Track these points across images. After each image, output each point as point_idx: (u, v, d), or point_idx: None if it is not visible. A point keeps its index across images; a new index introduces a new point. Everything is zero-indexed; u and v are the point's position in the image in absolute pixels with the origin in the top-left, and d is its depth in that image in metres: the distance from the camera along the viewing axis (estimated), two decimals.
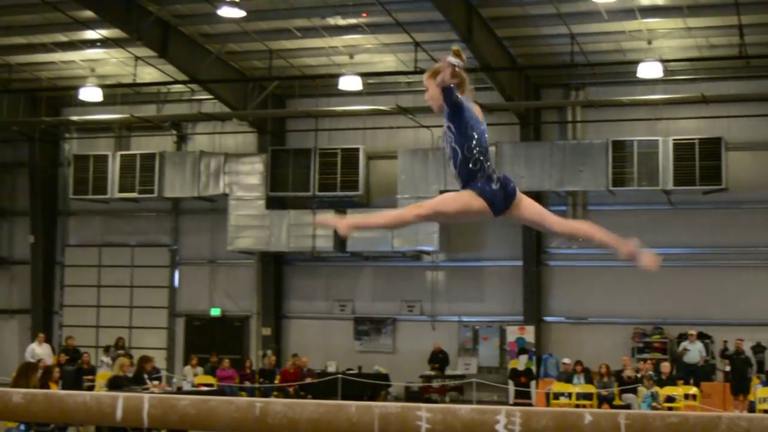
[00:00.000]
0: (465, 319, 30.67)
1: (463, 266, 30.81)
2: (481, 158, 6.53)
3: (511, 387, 28.59)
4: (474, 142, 6.53)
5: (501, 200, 6.51)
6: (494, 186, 6.49)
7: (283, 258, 32.34)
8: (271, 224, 30.53)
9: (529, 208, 6.63)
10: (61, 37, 28.85)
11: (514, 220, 6.68)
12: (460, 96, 6.53)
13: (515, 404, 26.31)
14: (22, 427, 5.35)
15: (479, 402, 27.29)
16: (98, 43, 29.00)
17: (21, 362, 21.45)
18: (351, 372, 29.06)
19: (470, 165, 6.50)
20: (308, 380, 28.49)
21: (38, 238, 34.26)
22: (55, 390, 14.16)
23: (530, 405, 26.32)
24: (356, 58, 29.22)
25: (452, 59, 6.47)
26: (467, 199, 6.47)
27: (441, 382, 29.19)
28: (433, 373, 29.42)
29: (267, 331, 31.95)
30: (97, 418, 6.19)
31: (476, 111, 6.68)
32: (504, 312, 30.22)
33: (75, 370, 25.64)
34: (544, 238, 30.14)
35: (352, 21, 26.83)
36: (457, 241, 30.16)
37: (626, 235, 6.64)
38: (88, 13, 26.36)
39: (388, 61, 29.58)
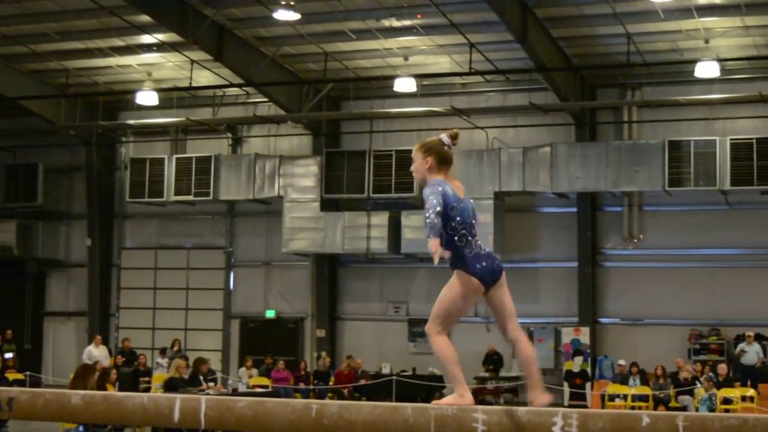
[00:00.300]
0: (520, 320, 30.35)
1: (517, 267, 30.61)
2: (467, 234, 6.58)
3: (566, 389, 28.45)
4: (456, 220, 6.58)
5: (489, 278, 6.62)
6: (484, 263, 6.59)
7: (337, 260, 32.40)
8: (325, 226, 30.58)
9: (505, 295, 6.81)
10: (118, 42, 29.08)
11: (484, 300, 6.69)
12: (438, 180, 6.70)
13: (570, 406, 26.19)
14: (81, 428, 5.40)
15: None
16: (154, 48, 29.22)
17: (78, 364, 21.64)
18: (405, 374, 29.04)
19: (456, 241, 6.53)
20: (362, 382, 28.51)
21: (95, 241, 34.55)
22: (113, 392, 14.26)
23: (585, 407, 26.17)
24: (411, 59, 29.21)
25: (444, 137, 6.85)
26: (465, 288, 6.49)
27: (495, 384, 29.11)
28: (487, 374, 29.36)
29: (321, 333, 32.01)
30: (154, 419, 6.22)
31: (457, 188, 6.74)
32: (559, 313, 30.08)
33: (131, 372, 25.80)
34: (599, 238, 29.99)
35: (407, 22, 26.83)
36: (512, 242, 30.02)
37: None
38: (145, 18, 26.57)
39: (442, 63, 29.54)
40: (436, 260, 6.25)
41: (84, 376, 15.30)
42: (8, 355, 29.39)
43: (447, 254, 6.39)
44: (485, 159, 29.35)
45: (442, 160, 6.82)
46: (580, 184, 28.47)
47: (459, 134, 6.90)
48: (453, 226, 6.55)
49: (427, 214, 6.35)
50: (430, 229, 6.35)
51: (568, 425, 5.43)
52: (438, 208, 6.41)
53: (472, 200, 6.85)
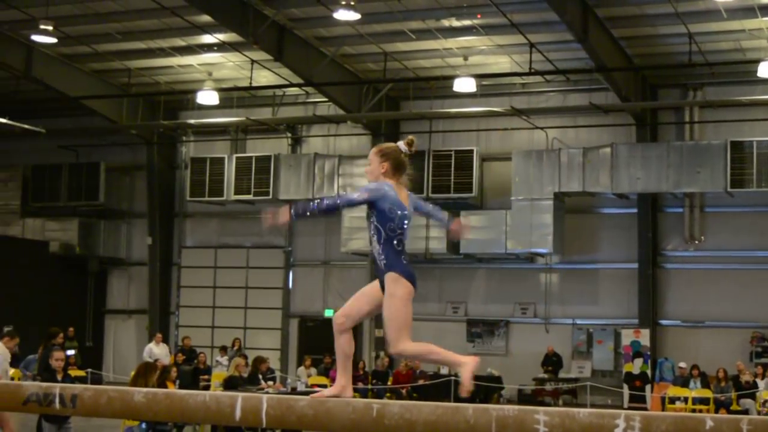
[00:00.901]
0: (579, 321, 30.41)
1: (577, 268, 30.54)
2: (403, 240, 6.75)
3: (626, 391, 28.29)
4: (397, 223, 6.73)
5: (414, 284, 6.77)
6: (411, 269, 6.78)
7: None
8: None
9: None
10: (179, 42, 29.29)
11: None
12: (386, 183, 6.86)
13: (630, 408, 26.01)
14: (144, 425, 5.45)
15: (593, 406, 27.03)
16: (215, 47, 29.40)
17: (139, 362, 21.79)
18: None
19: (395, 244, 6.70)
20: (421, 382, 28.49)
21: (156, 239, 34.83)
22: (175, 389, 14.34)
23: (645, 409, 25.98)
24: (470, 59, 29.15)
25: (402, 145, 7.06)
26: (407, 293, 6.66)
27: (554, 386, 28.99)
28: (546, 376, 29.24)
29: (380, 333, 31.99)
30: (216, 417, 6.26)
31: (403, 197, 6.86)
32: (619, 315, 29.89)
33: (192, 370, 25.96)
34: (660, 240, 29.76)
35: (467, 22, 26.78)
36: (572, 244, 29.89)
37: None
38: (206, 18, 26.73)
39: (502, 63, 29.46)
40: (275, 222, 6.59)
41: (145, 374, 15.38)
42: (70, 353, 29.64)
43: (283, 222, 6.66)
44: (545, 159, 29.23)
45: (397, 166, 6.98)
46: (641, 185, 28.26)
47: (415, 142, 7.08)
48: (392, 228, 6.72)
49: (345, 192, 6.69)
50: (319, 202, 6.68)
51: (630, 427, 5.39)
52: (356, 197, 6.70)
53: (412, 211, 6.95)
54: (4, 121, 30.96)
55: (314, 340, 32.58)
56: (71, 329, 30.02)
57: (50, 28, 26.70)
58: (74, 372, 28.14)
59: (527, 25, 25.88)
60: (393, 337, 6.61)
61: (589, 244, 30.34)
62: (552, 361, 29.46)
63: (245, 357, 23.20)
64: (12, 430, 13.81)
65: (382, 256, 6.73)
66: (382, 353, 30.57)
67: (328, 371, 28.58)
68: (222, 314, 34.12)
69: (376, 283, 6.86)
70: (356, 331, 30.10)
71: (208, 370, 27.52)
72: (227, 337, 31.20)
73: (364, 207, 6.77)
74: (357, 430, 5.89)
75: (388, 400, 7.40)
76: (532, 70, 27.24)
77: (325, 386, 25.93)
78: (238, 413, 6.05)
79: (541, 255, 30.14)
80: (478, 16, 26.26)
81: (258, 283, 33.91)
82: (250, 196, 32.22)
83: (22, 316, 22.58)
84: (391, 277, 6.63)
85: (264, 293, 33.89)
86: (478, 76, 28.79)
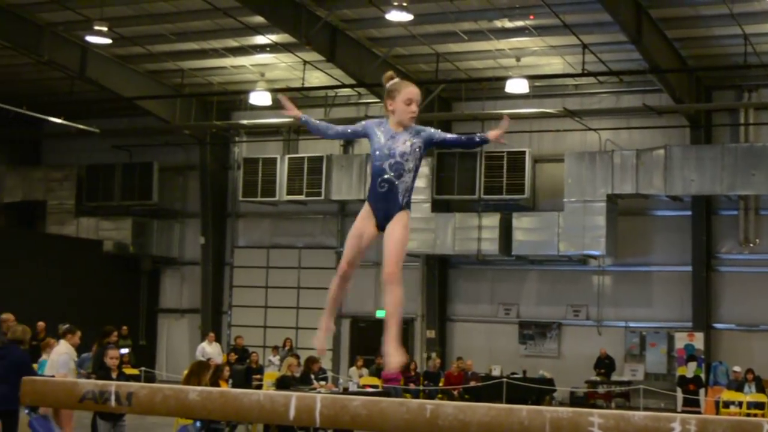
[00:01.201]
0: (632, 324, 30.23)
1: (630, 271, 30.37)
2: None
3: (680, 394, 28.07)
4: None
5: None
6: None
7: (448, 261, 32.38)
8: (436, 227, 30.59)
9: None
10: (232, 43, 29.43)
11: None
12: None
13: (683, 412, 25.82)
14: (198, 423, 5.49)
15: (646, 409, 26.85)
16: (268, 48, 29.52)
17: (191, 361, 21.90)
18: (515, 376, 28.91)
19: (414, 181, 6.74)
20: (472, 383, 28.44)
21: (208, 239, 35.02)
22: (229, 388, 14.40)
23: (698, 413, 25.77)
24: (523, 60, 29.07)
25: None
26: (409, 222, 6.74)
27: (607, 388, 28.82)
28: (598, 378, 29.08)
29: (431, 334, 32.02)
30: (270, 416, 6.26)
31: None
32: (672, 318, 29.68)
33: (244, 370, 26.06)
34: (714, 242, 29.52)
35: (519, 23, 26.70)
36: (625, 246, 29.73)
37: None
38: (259, 19, 26.84)
39: (555, 64, 29.35)
40: (288, 111, 6.67)
41: (198, 372, 15.46)
42: (124, 351, 29.86)
43: (292, 115, 6.74)
44: (598, 161, 29.08)
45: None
46: (695, 187, 28.04)
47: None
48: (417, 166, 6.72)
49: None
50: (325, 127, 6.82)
51: (686, 431, 5.34)
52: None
53: None
54: (59, 121, 31.26)
55: (366, 341, 32.61)
56: (125, 328, 30.24)
57: (105, 29, 26.92)
58: (128, 370, 28.37)
59: (580, 25, 25.77)
60: (395, 261, 6.58)
61: (642, 247, 30.15)
62: (604, 364, 29.30)
63: (297, 357, 23.24)
64: (71, 429, 13.95)
65: (408, 193, 6.68)
66: (434, 354, 30.56)
67: (380, 372, 28.60)
68: (274, 314, 34.24)
69: (366, 219, 6.72)
70: (407, 332, 30.12)
71: (260, 370, 27.60)
72: (279, 336, 31.29)
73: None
74: (410, 430, 5.88)
75: (442, 401, 7.39)
76: (585, 71, 27.13)
77: (376, 386, 25.99)
78: (292, 412, 6.05)
79: (594, 257, 30.00)
80: (531, 17, 26.17)
81: (310, 284, 33.97)
82: (302, 197, 32.31)
83: (76, 315, 22.73)
84: (406, 212, 6.63)
85: (316, 293, 33.84)
86: (531, 77, 28.71)
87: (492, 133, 7.11)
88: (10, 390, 12.80)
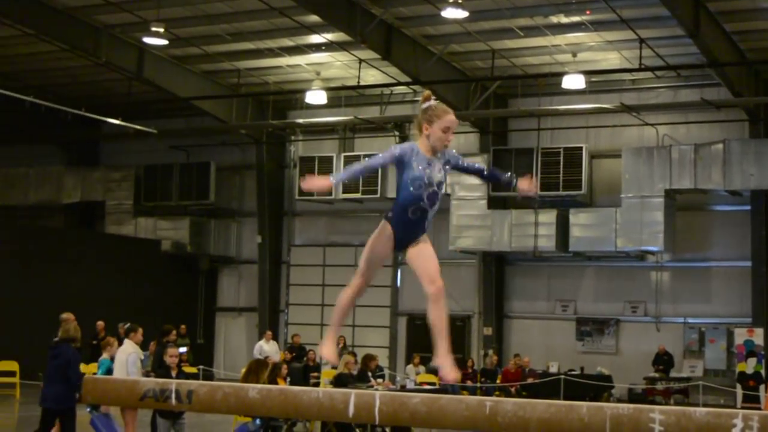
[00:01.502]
0: (690, 320, 29.99)
1: (688, 267, 30.13)
2: None
3: (739, 391, 27.79)
4: None
5: None
6: None
7: (504, 258, 32.30)
8: (492, 224, 30.53)
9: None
10: (288, 42, 29.51)
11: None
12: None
13: (743, 408, 25.59)
14: (258, 421, 5.50)
15: (705, 406, 26.62)
16: (323, 47, 29.57)
17: (249, 359, 21.99)
18: (573, 373, 28.79)
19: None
20: (530, 380, 28.35)
21: (265, 238, 35.17)
22: (288, 386, 14.47)
23: (759, 410, 25.53)
24: (579, 56, 28.92)
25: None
26: None
27: (665, 385, 28.62)
28: (657, 375, 28.88)
29: (488, 331, 31.96)
30: (329, 414, 6.29)
31: None
32: (731, 314, 29.41)
33: (302, 368, 26.14)
34: None
35: (576, 18, 26.56)
36: (683, 241, 29.50)
37: None
38: (314, 18, 26.90)
39: (611, 59, 29.18)
40: (312, 186, 6.64)
41: (257, 371, 15.52)
42: (182, 350, 30.04)
43: (320, 187, 6.74)
44: (655, 156, 28.87)
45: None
46: (755, 182, 27.76)
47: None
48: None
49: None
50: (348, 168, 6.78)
51: (748, 428, 5.30)
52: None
53: None
54: (117, 122, 31.52)
55: (423, 338, 32.32)
56: (183, 327, 30.41)
57: (161, 30, 27.11)
58: (186, 369, 28.55)
59: (637, 20, 25.58)
60: (439, 273, 6.63)
61: (701, 242, 29.91)
62: (663, 360, 29.09)
63: (354, 355, 23.28)
64: (134, 429, 14.05)
65: (431, 220, 6.73)
66: (491, 351, 30.50)
67: (436, 369, 28.57)
68: (330, 312, 34.18)
69: (386, 242, 6.78)
70: (464, 329, 30.06)
71: (317, 368, 27.67)
72: (342, 335, 31.35)
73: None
74: (470, 427, 5.88)
75: (502, 398, 7.37)
76: (642, 66, 26.92)
77: (434, 384, 25.97)
78: (351, 410, 6.08)
79: (652, 253, 29.81)
80: (587, 12, 26.03)
81: None
82: (358, 195, 32.36)
83: (134, 314, 22.89)
84: (426, 235, 6.75)
85: (372, 291, 33.75)
86: (587, 73, 28.58)
87: (523, 183, 6.90)
88: (65, 389, 12.96)
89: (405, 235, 6.63)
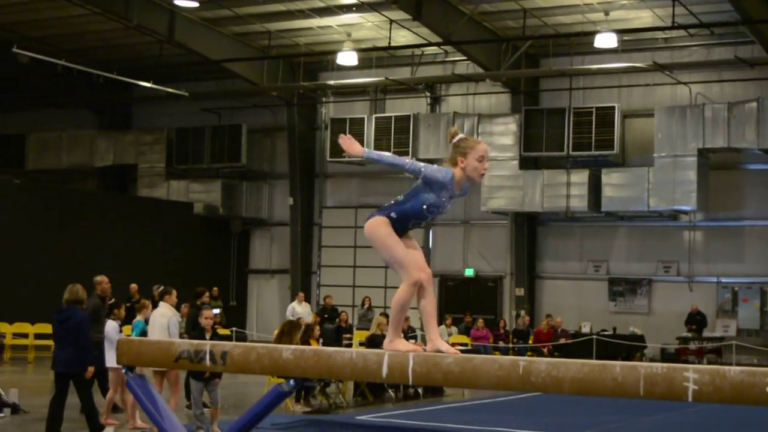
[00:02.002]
0: (724, 280, 29.88)
1: (721, 226, 30.00)
2: None
3: None
4: None
5: None
6: None
7: (536, 218, 32.26)
8: (524, 184, 30.47)
9: None
10: (318, 3, 29.43)
11: None
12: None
13: None
14: (292, 382, 5.55)
15: (738, 365, 26.56)
16: (354, 8, 29.47)
17: (282, 321, 22.07)
18: (605, 333, 28.77)
19: None
20: (562, 341, 28.36)
21: (297, 200, 35.23)
22: (322, 347, 14.57)
23: None
24: (612, 14, 28.70)
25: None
26: None
27: (698, 345, 28.57)
28: (690, 335, 28.83)
29: (520, 292, 31.96)
30: (363, 374, 6.31)
31: None
32: (765, 273, 29.30)
33: (335, 329, 26.25)
34: None
35: None
36: (716, 201, 29.36)
37: None
38: None
39: (644, 17, 28.96)
40: (349, 149, 6.75)
41: (290, 332, 15.58)
42: (215, 312, 30.12)
43: (354, 154, 6.79)
44: (688, 115, 28.70)
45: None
46: None
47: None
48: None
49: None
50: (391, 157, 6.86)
51: None
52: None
53: None
54: (148, 85, 31.60)
55: (455, 300, 32.67)
56: (215, 289, 30.53)
57: None
58: (220, 331, 28.70)
59: None
60: (425, 262, 6.92)
61: (734, 201, 29.75)
62: (696, 320, 29.03)
63: (386, 316, 23.33)
64: (178, 392, 14.13)
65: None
66: (523, 312, 30.53)
67: (469, 330, 28.67)
68: (363, 274, 34.37)
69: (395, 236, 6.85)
70: (496, 290, 30.06)
71: (350, 329, 27.78)
72: (367, 295, 31.42)
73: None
74: (503, 387, 5.89)
75: (535, 358, 7.37)
76: (675, 24, 26.73)
77: (466, 344, 26.03)
78: (384, 370, 6.09)
79: (685, 212, 29.70)
80: None
81: None
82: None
83: (167, 276, 23.03)
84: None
85: None
86: (620, 32, 28.41)
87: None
88: (75, 352, 12.92)
89: (399, 231, 6.83)
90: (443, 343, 6.33)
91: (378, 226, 6.77)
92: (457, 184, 6.67)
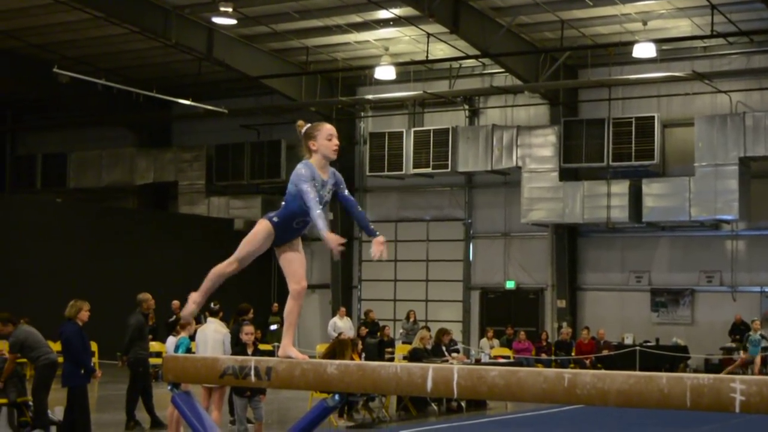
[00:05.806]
0: (766, 288, 29.66)
1: (764, 235, 29.78)
2: None
3: None
4: None
5: None
6: None
7: (577, 229, 32.15)
8: (564, 196, 30.38)
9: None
10: (356, 18, 29.50)
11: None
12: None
13: None
14: (337, 397, 5.57)
15: None
16: (391, 22, 29.52)
17: (324, 336, 22.02)
18: (648, 344, 28.61)
19: None
20: (605, 352, 28.22)
21: (337, 214, 35.20)
22: (365, 362, 14.53)
23: None
24: (650, 24, 28.62)
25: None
26: None
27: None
28: (734, 345, 28.61)
29: (562, 303, 31.85)
30: (407, 388, 6.31)
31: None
32: None
33: (377, 343, 26.26)
34: None
35: None
36: (758, 209, 29.16)
37: None
38: None
39: (682, 26, 28.84)
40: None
41: (341, 351, 15.25)
42: (273, 327, 30.30)
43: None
44: (729, 124, 28.53)
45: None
46: None
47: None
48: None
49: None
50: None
51: None
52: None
53: None
54: (187, 102, 31.76)
55: (496, 312, 32.62)
56: (275, 305, 30.61)
57: (230, 9, 27.27)
58: (262, 346, 28.73)
59: None
60: (305, 274, 7.29)
61: None
62: (740, 330, 28.80)
63: (429, 329, 23.33)
64: (221, 409, 14.16)
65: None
66: (564, 324, 30.42)
67: (510, 342, 28.58)
68: (403, 287, 34.37)
69: (266, 240, 7.18)
70: (537, 302, 30.04)
71: (392, 343, 27.77)
72: (409, 309, 31.41)
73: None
74: (549, 400, 5.87)
75: (580, 370, 7.36)
76: (714, 33, 26.61)
77: (508, 357, 25.96)
78: (429, 384, 6.08)
79: (727, 222, 29.51)
80: None
81: (438, 256, 34.05)
82: (428, 170, 32.35)
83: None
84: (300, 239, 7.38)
85: (445, 266, 34.02)
86: (658, 41, 28.32)
87: (376, 245, 7.72)
88: (70, 367, 13.42)
89: (283, 237, 7.14)
90: (293, 350, 6.79)
91: (257, 225, 7.19)
92: (321, 170, 7.06)
